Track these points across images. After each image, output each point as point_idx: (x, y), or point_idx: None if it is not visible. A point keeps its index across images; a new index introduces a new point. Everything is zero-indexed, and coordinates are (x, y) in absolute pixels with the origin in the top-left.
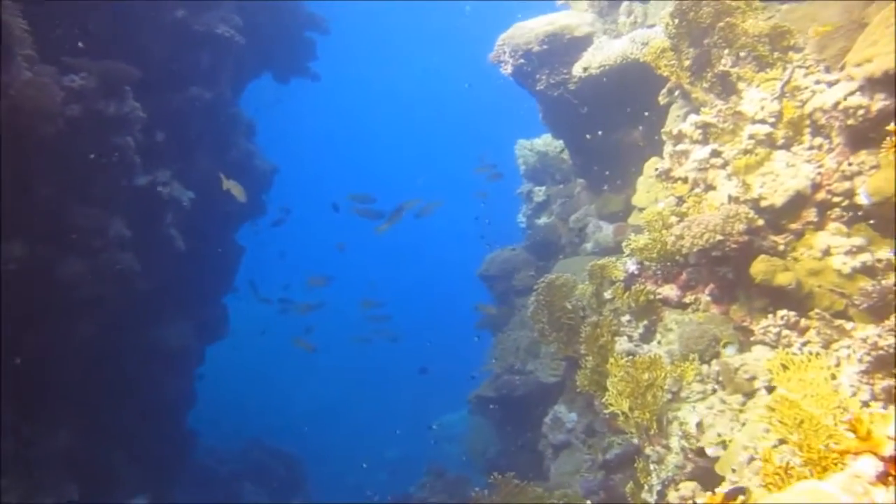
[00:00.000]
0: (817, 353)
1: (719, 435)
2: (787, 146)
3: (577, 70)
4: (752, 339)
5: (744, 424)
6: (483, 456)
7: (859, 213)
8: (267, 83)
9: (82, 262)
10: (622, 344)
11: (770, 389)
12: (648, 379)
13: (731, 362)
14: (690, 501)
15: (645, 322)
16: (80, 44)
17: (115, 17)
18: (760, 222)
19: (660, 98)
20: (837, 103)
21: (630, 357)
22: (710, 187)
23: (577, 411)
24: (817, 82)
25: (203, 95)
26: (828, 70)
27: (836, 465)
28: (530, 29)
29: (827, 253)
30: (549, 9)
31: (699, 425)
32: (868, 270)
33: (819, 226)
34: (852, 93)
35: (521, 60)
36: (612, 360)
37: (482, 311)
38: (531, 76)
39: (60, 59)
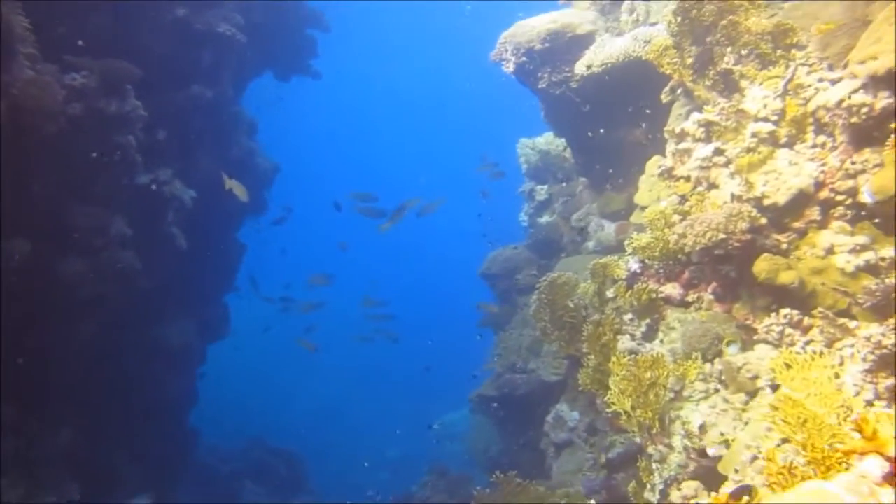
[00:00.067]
0: (821, 352)
1: (722, 434)
2: (790, 144)
3: (579, 68)
4: (754, 337)
5: (747, 423)
6: (485, 454)
7: (863, 212)
8: (268, 81)
9: (83, 260)
10: (624, 342)
11: (774, 388)
12: (651, 378)
13: (734, 361)
14: (693, 501)
15: (647, 321)
16: (79, 42)
17: (117, 16)
18: (763, 221)
19: (662, 96)
20: (841, 101)
21: (632, 356)
22: (712, 186)
23: (579, 410)
24: (820, 80)
25: (204, 94)
26: (831, 68)
27: (839, 464)
28: (532, 27)
29: (830, 251)
30: (551, 7)
31: (702, 427)
32: (871, 269)
33: (822, 224)
34: (856, 90)
35: (524, 58)
36: (614, 358)
37: (483, 310)
38: (533, 74)
39: (62, 57)
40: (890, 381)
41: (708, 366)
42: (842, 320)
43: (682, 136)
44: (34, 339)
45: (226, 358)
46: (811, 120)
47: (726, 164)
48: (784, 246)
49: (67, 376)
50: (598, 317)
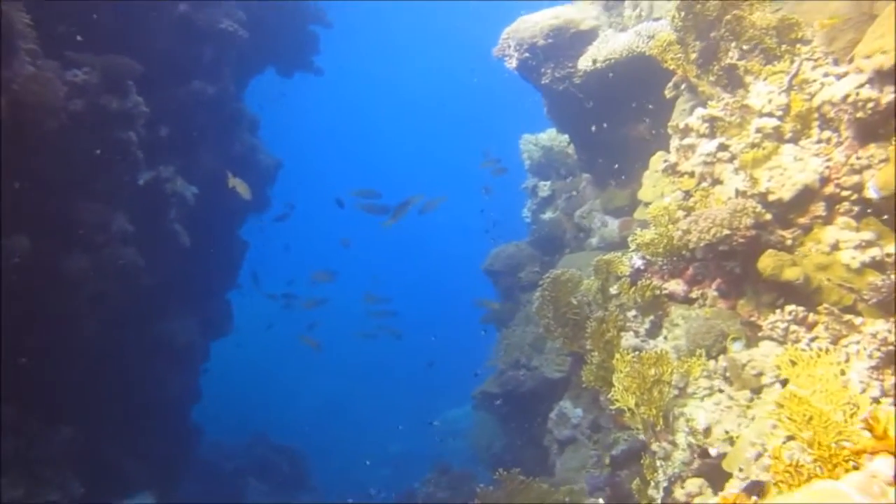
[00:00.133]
0: (826, 349)
1: (727, 432)
2: (795, 140)
3: (582, 64)
4: (759, 334)
5: (751, 421)
6: (488, 451)
7: (868, 208)
8: (270, 78)
9: (85, 257)
10: (628, 339)
11: (783, 383)
12: (655, 374)
13: (739, 358)
14: (698, 498)
15: (651, 317)
16: (78, 37)
17: (118, 12)
18: (768, 217)
19: (666, 92)
20: (846, 96)
21: (636, 352)
22: (716, 181)
23: (582, 407)
24: (826, 75)
25: (206, 90)
26: (836, 63)
27: (846, 462)
28: (535, 22)
29: (835, 247)
30: (554, 4)
31: (707, 429)
32: (877, 265)
33: (827, 220)
34: (861, 85)
35: (526, 54)
36: (617, 355)
37: (483, 306)
38: (536, 70)
39: (64, 53)
40: None
41: (712, 363)
42: (847, 317)
43: (686, 131)
44: (35, 336)
45: (228, 355)
46: (816, 115)
47: (731, 160)
48: (789, 242)
49: (69, 374)
50: (602, 313)
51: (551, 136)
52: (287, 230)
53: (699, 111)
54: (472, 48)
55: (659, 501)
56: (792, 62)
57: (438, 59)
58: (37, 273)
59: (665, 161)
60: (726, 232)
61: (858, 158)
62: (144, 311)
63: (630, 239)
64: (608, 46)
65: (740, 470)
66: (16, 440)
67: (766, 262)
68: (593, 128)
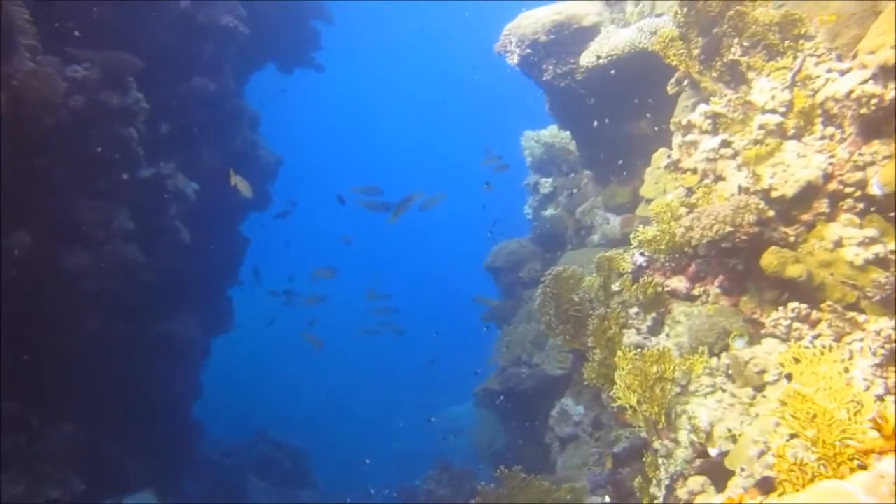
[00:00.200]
0: (830, 346)
1: (729, 430)
2: (798, 136)
3: (584, 60)
4: (762, 331)
5: (754, 418)
6: (489, 448)
7: (872, 204)
8: (271, 74)
9: (86, 254)
10: (630, 336)
11: (790, 378)
12: (657, 372)
13: (741, 355)
14: (700, 496)
15: (653, 314)
16: (76, 32)
17: (119, 8)
18: (771, 213)
19: (668, 88)
20: (850, 92)
21: (638, 350)
22: (719, 178)
23: (584, 404)
24: (829, 71)
25: (207, 86)
26: (840, 58)
27: (851, 461)
28: (537, 18)
29: (839, 244)
30: (554, 0)
31: (710, 427)
32: (881, 262)
33: (831, 217)
34: (865, 81)
35: (528, 50)
36: (619, 352)
37: (482, 303)
38: (538, 66)
39: (64, 49)
40: None
41: (714, 360)
42: (851, 314)
43: (688, 128)
44: (36, 333)
45: (230, 351)
46: (819, 111)
47: (733, 157)
48: (792, 239)
49: (69, 371)
50: (604, 310)
51: (553, 133)
52: (288, 227)
53: (702, 107)
54: (474, 44)
55: (661, 499)
56: (795, 58)
57: (439, 55)
58: (38, 270)
59: (667, 157)
60: (729, 229)
61: (862, 155)
62: (145, 308)
63: (632, 236)
64: (610, 43)
65: (742, 470)
66: (16, 437)
67: (769, 259)
68: (595, 123)
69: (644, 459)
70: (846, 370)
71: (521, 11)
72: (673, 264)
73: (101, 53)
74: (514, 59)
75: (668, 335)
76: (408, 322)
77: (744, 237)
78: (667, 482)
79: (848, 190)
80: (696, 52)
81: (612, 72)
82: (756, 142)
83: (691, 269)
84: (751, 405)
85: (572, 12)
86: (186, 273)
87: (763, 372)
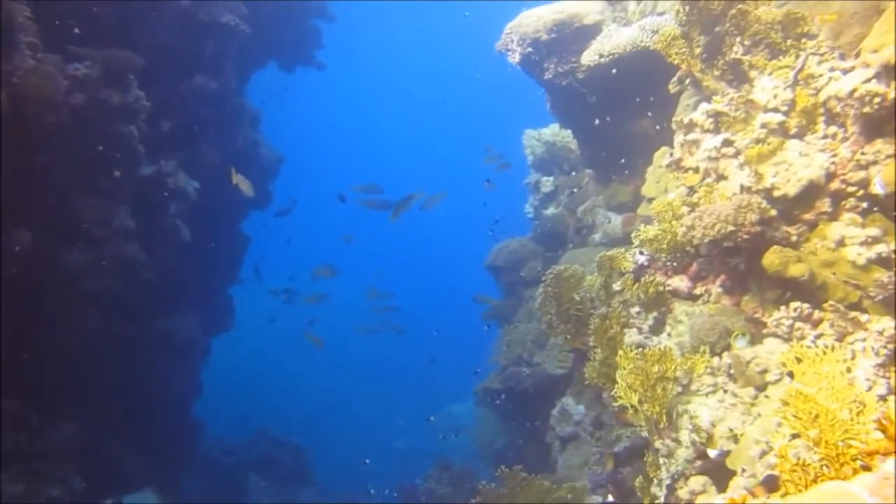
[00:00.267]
0: (832, 346)
1: (731, 429)
2: (800, 135)
3: (585, 58)
4: (764, 331)
5: (756, 418)
6: (490, 447)
7: (874, 204)
8: (272, 72)
9: (86, 252)
10: (631, 336)
11: (790, 377)
12: (658, 371)
13: (743, 355)
14: (701, 496)
15: (655, 314)
16: (76, 30)
17: (120, 6)
18: (773, 212)
19: (670, 86)
20: (853, 91)
21: (640, 349)
22: (721, 177)
23: (584, 403)
24: (832, 69)
25: (208, 85)
26: (843, 57)
27: (853, 461)
28: (538, 17)
29: (841, 244)
30: None
31: (711, 426)
32: (883, 261)
33: (833, 216)
34: (868, 80)
35: (529, 49)
36: (621, 352)
37: (482, 302)
38: (539, 65)
39: (65, 47)
40: None
41: (716, 360)
42: (853, 314)
43: (690, 126)
44: (37, 331)
45: (230, 350)
46: (822, 110)
47: (735, 156)
48: (794, 238)
49: (70, 369)
50: (605, 310)
51: (554, 132)
52: (289, 225)
53: (704, 106)
54: (475, 43)
55: (662, 499)
56: (797, 57)
57: (441, 53)
58: (38, 268)
59: (669, 156)
60: (731, 228)
61: (864, 154)
62: (146, 306)
63: (633, 235)
64: (612, 41)
65: (743, 471)
66: (17, 435)
67: (771, 258)
68: (596, 122)
69: (645, 459)
70: (848, 370)
71: (522, 10)
72: (674, 263)
73: (102, 51)
74: (515, 58)
75: (669, 334)
76: (408, 321)
77: (746, 236)
78: (668, 482)
79: (850, 189)
80: (698, 50)
81: (614, 70)
82: (758, 141)
83: (693, 269)
84: (752, 405)
85: (574, 11)
86: (187, 271)
87: (765, 371)
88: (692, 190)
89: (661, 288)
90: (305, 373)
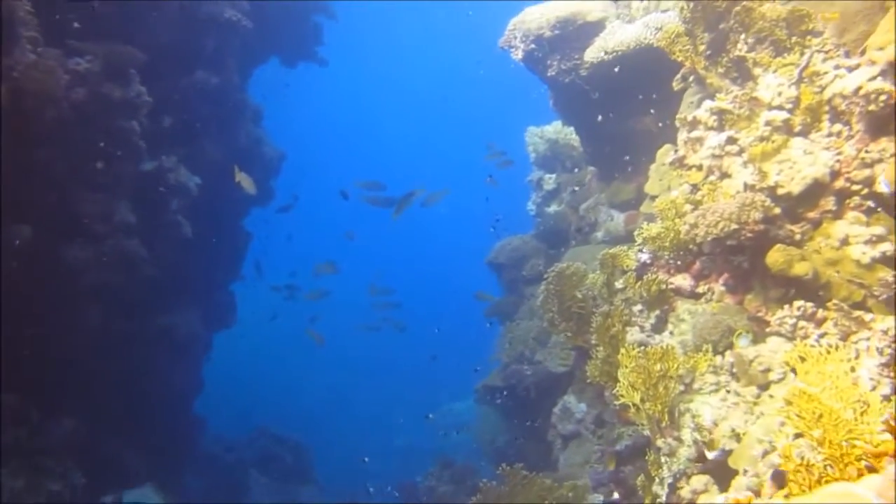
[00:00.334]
0: (836, 345)
1: (733, 429)
2: (804, 133)
3: (589, 55)
4: (767, 330)
5: (758, 417)
6: (491, 445)
7: (879, 202)
8: (274, 68)
9: (87, 247)
10: (634, 334)
11: (794, 373)
12: (660, 370)
13: (746, 354)
14: (703, 495)
15: (657, 312)
16: (76, 24)
17: (121, 1)
18: (777, 211)
19: (674, 84)
20: (858, 88)
21: (642, 347)
22: (725, 175)
23: (586, 402)
24: (837, 67)
25: (210, 80)
26: (848, 55)
27: (858, 461)
28: (541, 14)
29: (845, 242)
30: None
31: (713, 425)
32: (888, 260)
33: (837, 214)
34: (874, 77)
35: (532, 46)
36: (623, 350)
37: (482, 299)
38: (542, 62)
39: (65, 41)
40: None
41: (719, 358)
42: (857, 313)
43: (693, 124)
44: (37, 327)
45: (232, 346)
46: (827, 108)
47: (739, 153)
48: (798, 236)
49: (70, 365)
50: (607, 308)
51: (557, 129)
52: (290, 221)
53: (707, 103)
54: (478, 39)
55: (663, 498)
56: (802, 54)
57: (443, 50)
58: (38, 263)
59: (672, 154)
60: (734, 226)
61: (869, 152)
62: (146, 302)
63: (636, 233)
64: (615, 38)
65: (745, 472)
66: (17, 430)
67: (775, 256)
68: (599, 117)
69: (647, 457)
70: (852, 369)
71: (525, 7)
72: (677, 262)
73: (103, 46)
74: (518, 55)
75: (671, 333)
76: (410, 318)
77: (749, 235)
78: (670, 481)
79: (855, 187)
80: (701, 47)
81: (616, 69)
82: (762, 138)
83: (696, 267)
84: (755, 404)
85: (577, 8)
86: (188, 267)
87: (768, 371)
88: (695, 188)
89: (664, 286)
90: (306, 370)
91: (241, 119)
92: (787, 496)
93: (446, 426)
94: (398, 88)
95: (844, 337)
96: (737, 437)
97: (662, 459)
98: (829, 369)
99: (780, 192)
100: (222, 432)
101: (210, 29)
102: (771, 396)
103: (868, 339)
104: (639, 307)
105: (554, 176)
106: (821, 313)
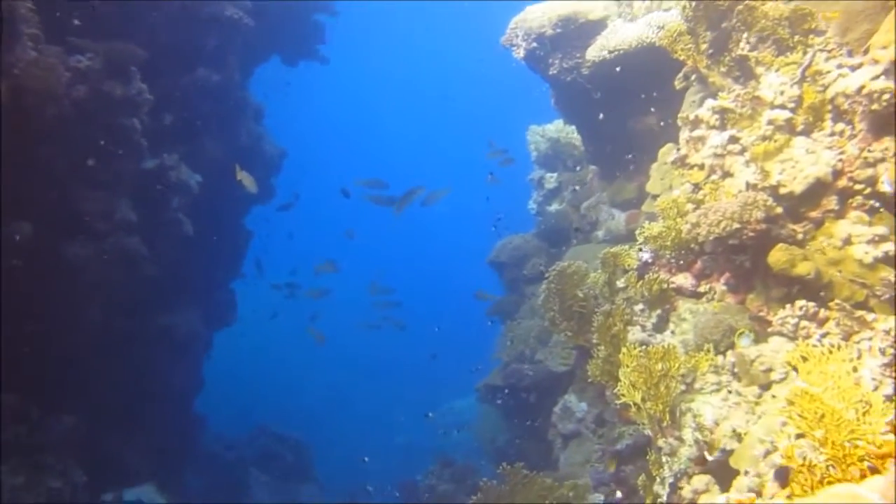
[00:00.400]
0: (838, 345)
1: (734, 430)
2: (807, 132)
3: (591, 54)
4: (769, 329)
5: (760, 417)
6: (492, 444)
7: (882, 202)
8: (275, 66)
9: (88, 245)
10: (635, 333)
11: (795, 372)
12: (662, 369)
13: (747, 353)
14: (704, 496)
15: (658, 311)
16: (76, 21)
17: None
18: (779, 210)
19: (676, 83)
20: (861, 87)
21: (643, 347)
22: (727, 174)
23: (587, 401)
24: (840, 66)
25: (211, 78)
26: (851, 53)
27: (860, 462)
28: (543, 12)
29: (848, 242)
30: None
31: (714, 425)
32: (890, 260)
33: (840, 214)
34: (877, 77)
35: (534, 44)
36: (624, 349)
37: (482, 298)
38: (544, 60)
39: (66, 39)
40: None
41: (720, 358)
42: (859, 312)
43: (695, 123)
44: (37, 324)
45: (232, 344)
46: (829, 107)
47: (741, 152)
48: (800, 236)
49: (71, 362)
50: (608, 307)
51: (558, 128)
52: (291, 220)
53: (709, 102)
54: (480, 37)
55: (664, 498)
56: (805, 53)
57: (445, 49)
58: (39, 261)
59: (674, 153)
60: (736, 225)
61: (872, 151)
62: (147, 300)
63: (638, 232)
64: (617, 37)
65: (746, 473)
66: (17, 427)
67: (777, 256)
68: (601, 115)
69: (648, 457)
70: (855, 369)
71: (527, 5)
72: (679, 261)
73: (105, 44)
74: (520, 53)
75: (673, 332)
76: (410, 317)
77: (751, 234)
78: (671, 480)
79: (858, 187)
80: (704, 46)
81: (618, 68)
82: (764, 138)
83: (697, 266)
84: (757, 404)
85: (579, 6)
86: (189, 265)
87: (769, 370)
88: (697, 187)
89: (665, 285)
90: (307, 368)
91: (243, 117)
92: (789, 496)
93: (447, 425)
94: (399, 87)
95: (846, 337)
96: (738, 436)
97: (663, 459)
98: (831, 369)
99: (783, 191)
100: (223, 430)
101: (211, 27)
102: (773, 397)
103: (870, 339)
104: (640, 306)
105: (555, 175)
106: (823, 313)
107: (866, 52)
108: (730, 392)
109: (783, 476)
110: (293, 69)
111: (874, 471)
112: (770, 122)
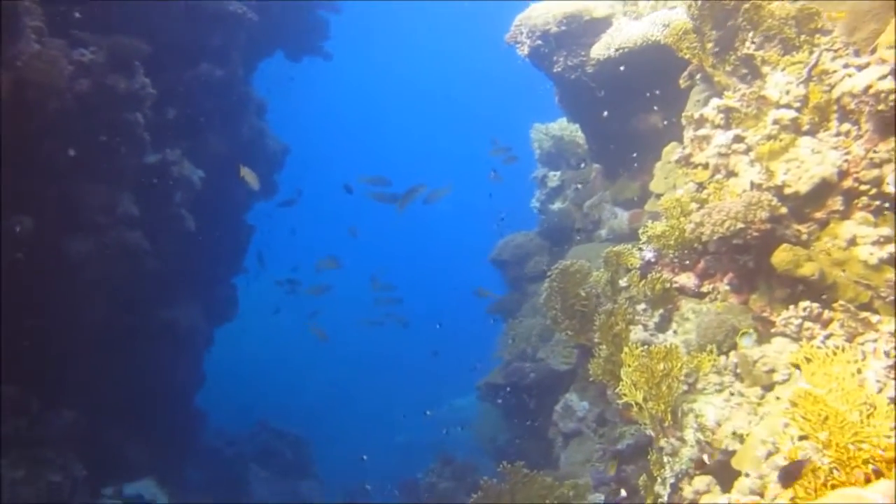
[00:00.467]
0: (842, 347)
1: (735, 432)
2: (812, 132)
3: (595, 52)
4: (772, 330)
5: (762, 418)
6: (492, 443)
7: (887, 203)
8: (279, 62)
9: (89, 240)
10: (637, 333)
11: (799, 372)
12: (664, 369)
13: (750, 354)
14: (706, 496)
15: (661, 311)
16: (77, 14)
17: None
18: (784, 210)
19: (680, 81)
20: (868, 87)
21: (645, 346)
22: (731, 174)
23: (588, 400)
24: (846, 66)
25: (214, 73)
26: (857, 53)
27: (864, 465)
28: (548, 9)
29: (852, 243)
30: None
31: (716, 429)
32: None
33: (845, 214)
34: (884, 77)
35: (538, 42)
36: (626, 349)
37: (482, 296)
38: (548, 58)
39: (70, 32)
40: None
41: (723, 358)
42: (864, 314)
43: (700, 122)
44: (38, 318)
45: (233, 340)
46: (835, 107)
47: (746, 152)
48: (804, 236)
49: (72, 356)
50: (611, 306)
51: (562, 126)
52: (293, 216)
53: (714, 101)
54: (484, 34)
55: (665, 498)
56: (811, 52)
57: (449, 46)
58: (40, 255)
59: (679, 152)
60: (740, 225)
61: (878, 152)
62: (149, 295)
63: (641, 231)
64: (622, 35)
65: (747, 474)
66: (17, 421)
67: (781, 256)
68: (605, 113)
69: (649, 457)
70: (859, 371)
71: (531, 3)
72: (682, 260)
73: (108, 37)
74: (524, 51)
75: (675, 332)
76: (412, 314)
77: (755, 234)
78: (672, 481)
79: (863, 187)
80: (709, 45)
81: (623, 66)
82: (770, 137)
83: (700, 266)
84: (759, 405)
85: (584, 4)
86: (191, 260)
87: (772, 371)
88: (701, 186)
89: (668, 285)
90: (308, 364)
91: (245, 112)
92: (792, 499)
93: (447, 422)
94: (403, 83)
95: (851, 338)
96: (740, 438)
97: (665, 459)
98: (835, 371)
99: (787, 191)
100: (223, 426)
101: (215, 22)
102: (776, 398)
103: (875, 340)
104: (642, 306)
105: (558, 173)
106: (827, 314)
107: (873, 51)
108: (732, 393)
109: (784, 480)
110: (297, 65)
111: (879, 474)
112: (775, 122)
